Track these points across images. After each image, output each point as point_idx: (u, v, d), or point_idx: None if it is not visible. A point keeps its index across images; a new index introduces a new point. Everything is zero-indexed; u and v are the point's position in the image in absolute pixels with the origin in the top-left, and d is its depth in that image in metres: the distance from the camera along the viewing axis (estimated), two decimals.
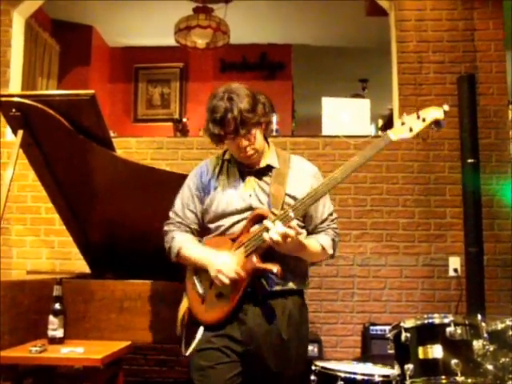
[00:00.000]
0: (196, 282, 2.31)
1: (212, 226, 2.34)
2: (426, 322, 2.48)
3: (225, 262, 2.17)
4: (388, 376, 2.58)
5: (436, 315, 2.49)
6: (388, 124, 5.46)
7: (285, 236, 2.06)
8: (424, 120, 2.13)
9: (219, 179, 2.36)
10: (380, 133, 5.08)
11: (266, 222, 2.10)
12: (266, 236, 2.08)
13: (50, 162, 3.13)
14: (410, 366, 2.41)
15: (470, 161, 3.89)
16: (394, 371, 2.54)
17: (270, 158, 2.35)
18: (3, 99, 2.95)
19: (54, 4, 5.55)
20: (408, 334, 2.46)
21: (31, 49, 5.40)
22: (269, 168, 2.33)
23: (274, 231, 2.06)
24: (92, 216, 3.38)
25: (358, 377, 2.62)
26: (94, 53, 6.56)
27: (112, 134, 3.77)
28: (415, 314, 3.90)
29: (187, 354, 2.24)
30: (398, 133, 2.16)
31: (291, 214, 2.10)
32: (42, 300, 2.79)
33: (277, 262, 2.12)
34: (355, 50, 6.92)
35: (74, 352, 2.52)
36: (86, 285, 3.03)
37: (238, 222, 2.27)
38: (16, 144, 2.96)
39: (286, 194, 2.26)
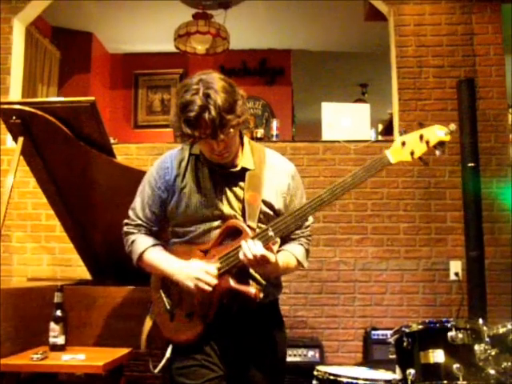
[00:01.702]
0: (163, 295, 2.11)
1: (179, 230, 2.12)
2: (427, 326, 2.48)
3: (202, 269, 1.97)
4: (390, 381, 2.58)
5: (437, 320, 2.49)
6: (388, 128, 5.47)
7: (263, 259, 1.89)
8: (427, 143, 1.91)
9: (186, 178, 2.09)
10: (380, 137, 5.10)
11: (243, 244, 1.90)
12: (241, 256, 1.90)
13: (51, 169, 3.13)
14: (411, 371, 2.41)
15: (470, 165, 3.90)
16: (396, 376, 2.55)
17: (244, 159, 2.09)
18: (4, 106, 2.95)
19: (54, 11, 5.56)
20: (409, 339, 2.47)
21: (31, 56, 5.41)
22: (243, 170, 2.07)
23: (251, 252, 1.88)
24: (93, 222, 3.37)
25: (360, 382, 2.62)
26: (94, 59, 6.57)
27: (112, 141, 3.78)
28: (416, 319, 3.90)
29: (156, 371, 2.12)
30: (397, 155, 1.94)
31: (271, 234, 1.91)
32: (43, 307, 2.78)
33: (253, 279, 1.98)
34: (355, 55, 6.93)
35: (76, 359, 2.51)
36: (87, 291, 3.02)
37: (208, 230, 2.05)
38: (16, 151, 2.96)
39: (262, 201, 2.05)
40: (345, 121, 4.40)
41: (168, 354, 2.08)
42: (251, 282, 1.99)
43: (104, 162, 3.00)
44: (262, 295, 1.97)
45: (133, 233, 2.18)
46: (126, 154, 4.32)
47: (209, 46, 5.48)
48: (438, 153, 1.94)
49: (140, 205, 2.17)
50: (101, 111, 2.91)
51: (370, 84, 8.08)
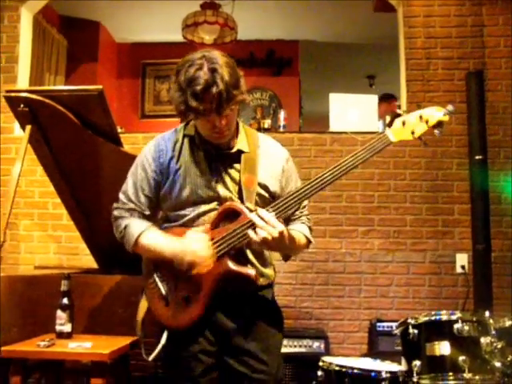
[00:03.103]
0: (157, 280, 2.06)
1: (172, 214, 2.08)
2: (433, 318, 2.48)
3: (195, 252, 1.94)
4: (395, 372, 2.58)
5: (444, 312, 2.49)
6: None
7: (282, 234, 1.88)
8: (427, 122, 1.95)
9: (180, 159, 2.05)
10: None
11: (253, 217, 1.89)
12: (252, 234, 1.88)
13: (58, 157, 3.14)
14: (417, 363, 2.42)
15: (477, 157, 3.88)
16: (402, 367, 2.55)
17: (240, 142, 2.08)
18: (12, 95, 2.95)
19: (62, 0, 5.55)
20: (415, 331, 2.47)
21: (39, 45, 5.41)
22: (239, 152, 2.06)
23: (267, 220, 1.86)
24: (99, 211, 3.37)
25: (366, 373, 2.61)
26: (102, 49, 6.56)
27: (119, 130, 3.78)
28: (422, 311, 3.88)
29: (150, 359, 2.04)
30: (398, 134, 1.97)
31: (272, 213, 1.90)
32: (50, 295, 2.79)
33: (250, 260, 1.98)
34: (363, 47, 6.90)
35: (82, 347, 2.52)
36: (93, 280, 3.04)
37: (203, 213, 2.01)
38: (24, 139, 2.97)
39: (258, 184, 2.04)
40: (352, 112, 4.39)
41: (163, 340, 2.03)
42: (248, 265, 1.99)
43: (111, 151, 3.01)
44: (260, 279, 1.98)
45: (125, 217, 2.11)
46: (133, 143, 4.30)
47: (216, 36, 5.46)
48: (436, 132, 1.97)
49: (132, 188, 2.11)
50: (108, 100, 2.92)
51: (377, 75, 8.05)
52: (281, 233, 1.88)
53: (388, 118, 5.96)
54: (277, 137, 2.34)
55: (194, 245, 1.96)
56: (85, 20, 6.38)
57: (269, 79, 6.80)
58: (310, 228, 2.20)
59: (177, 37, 5.63)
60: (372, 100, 4.55)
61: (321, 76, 7.66)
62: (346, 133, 4.25)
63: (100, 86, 2.86)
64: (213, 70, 1.85)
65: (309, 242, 2.17)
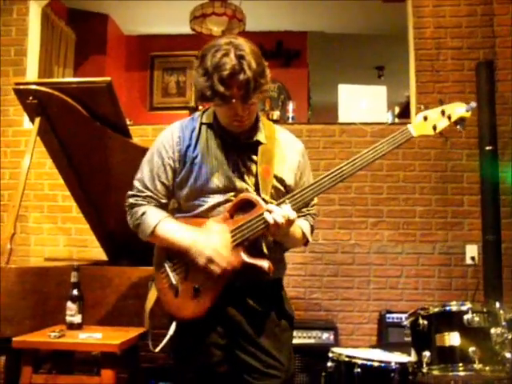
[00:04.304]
0: (168, 270, 2.02)
1: (186, 204, 2.05)
2: (443, 309, 2.48)
3: (216, 249, 1.92)
4: (405, 363, 2.58)
5: (454, 302, 2.49)
6: (405, 111, 5.42)
7: (289, 221, 1.87)
8: (449, 117, 1.96)
9: (197, 148, 2.02)
10: (397, 120, 5.05)
11: (271, 206, 1.88)
12: (269, 217, 1.85)
13: (67, 149, 3.15)
14: (427, 354, 2.42)
15: (488, 148, 3.85)
16: (411, 358, 2.54)
17: (259, 133, 2.06)
18: (21, 87, 2.97)
19: None
20: (425, 322, 2.46)
21: (47, 37, 5.41)
22: (257, 143, 2.04)
23: (281, 214, 1.85)
24: (108, 203, 3.39)
25: (375, 363, 2.63)
26: (110, 41, 6.56)
27: (128, 122, 3.78)
28: (432, 302, 3.88)
29: (157, 350, 2.02)
30: (419, 129, 1.98)
31: (288, 205, 1.90)
32: (61, 286, 2.81)
33: (264, 254, 1.95)
34: (371, 37, 6.85)
35: (92, 337, 2.53)
36: (103, 271, 3.04)
37: (218, 204, 1.98)
38: (33, 132, 2.99)
39: (274, 176, 2.02)
40: (361, 103, 4.37)
41: (171, 331, 2.00)
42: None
43: (120, 143, 3.02)
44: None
45: (142, 204, 2.07)
46: (141, 135, 4.32)
47: (225, 27, 5.44)
48: (459, 127, 1.97)
49: (149, 175, 2.06)
50: (117, 93, 2.92)
51: (386, 66, 8.00)
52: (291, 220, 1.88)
53: (397, 109, 5.95)
54: (286, 128, 2.32)
55: (215, 239, 1.94)
56: (93, 13, 6.37)
57: (277, 71, 6.74)
58: (311, 226, 2.19)
59: (185, 29, 5.61)
60: (381, 91, 4.53)
61: (329, 67, 7.63)
62: (354, 124, 4.24)
63: (108, 78, 2.87)
64: (240, 57, 1.83)
65: (306, 238, 2.14)
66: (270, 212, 1.87)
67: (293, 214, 1.87)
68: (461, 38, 4.28)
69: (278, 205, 1.90)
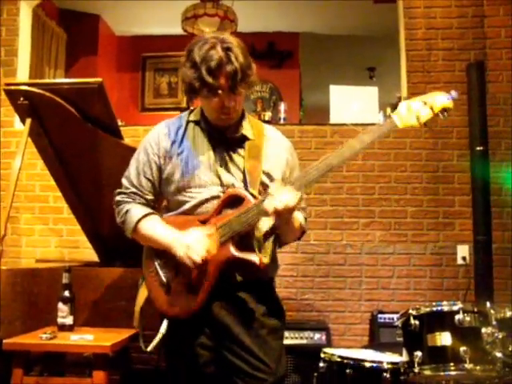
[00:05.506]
0: (158, 268, 2.02)
1: (174, 200, 2.05)
2: (435, 309, 2.48)
3: (196, 239, 1.90)
4: (397, 363, 2.59)
5: (445, 302, 2.50)
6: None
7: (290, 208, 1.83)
8: (432, 108, 1.94)
9: (183, 143, 2.05)
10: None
11: (271, 189, 1.85)
12: (268, 205, 1.82)
13: (58, 151, 3.14)
14: (418, 354, 2.42)
15: (478, 148, 3.86)
16: (403, 358, 2.55)
17: (245, 128, 2.08)
18: (11, 88, 2.95)
19: None
20: (417, 322, 2.47)
21: (38, 38, 5.39)
22: (243, 139, 2.06)
23: (280, 200, 1.81)
24: (100, 204, 3.37)
25: (367, 364, 2.63)
26: (101, 42, 6.54)
27: (120, 123, 3.77)
28: (423, 302, 3.89)
29: (149, 349, 2.02)
30: (403, 120, 1.95)
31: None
32: (52, 287, 2.81)
33: (253, 249, 1.92)
34: (363, 38, 6.87)
35: (84, 339, 2.53)
36: (94, 273, 3.04)
37: (206, 200, 1.98)
38: (24, 132, 2.97)
39: (262, 171, 2.02)
40: (353, 104, 4.38)
41: (163, 330, 1.99)
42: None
43: (111, 144, 3.01)
44: (266, 260, 1.92)
45: (127, 202, 2.09)
46: (133, 136, 4.29)
47: (216, 28, 5.43)
48: (441, 117, 1.97)
49: (134, 172, 2.10)
50: (108, 93, 2.91)
51: (378, 67, 8.02)
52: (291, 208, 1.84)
53: (388, 110, 5.97)
54: (277, 129, 2.32)
55: (195, 232, 1.93)
56: (84, 13, 6.35)
57: (269, 71, 6.77)
58: (305, 218, 2.16)
59: (177, 30, 5.60)
60: (372, 92, 4.54)
61: (321, 68, 7.64)
62: (346, 125, 4.25)
63: (100, 79, 2.86)
64: (227, 49, 1.88)
65: (303, 227, 2.13)
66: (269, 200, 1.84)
67: (292, 201, 1.84)
68: (452, 39, 4.30)
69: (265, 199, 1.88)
